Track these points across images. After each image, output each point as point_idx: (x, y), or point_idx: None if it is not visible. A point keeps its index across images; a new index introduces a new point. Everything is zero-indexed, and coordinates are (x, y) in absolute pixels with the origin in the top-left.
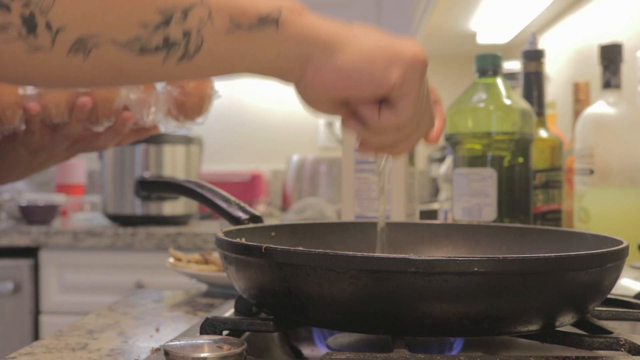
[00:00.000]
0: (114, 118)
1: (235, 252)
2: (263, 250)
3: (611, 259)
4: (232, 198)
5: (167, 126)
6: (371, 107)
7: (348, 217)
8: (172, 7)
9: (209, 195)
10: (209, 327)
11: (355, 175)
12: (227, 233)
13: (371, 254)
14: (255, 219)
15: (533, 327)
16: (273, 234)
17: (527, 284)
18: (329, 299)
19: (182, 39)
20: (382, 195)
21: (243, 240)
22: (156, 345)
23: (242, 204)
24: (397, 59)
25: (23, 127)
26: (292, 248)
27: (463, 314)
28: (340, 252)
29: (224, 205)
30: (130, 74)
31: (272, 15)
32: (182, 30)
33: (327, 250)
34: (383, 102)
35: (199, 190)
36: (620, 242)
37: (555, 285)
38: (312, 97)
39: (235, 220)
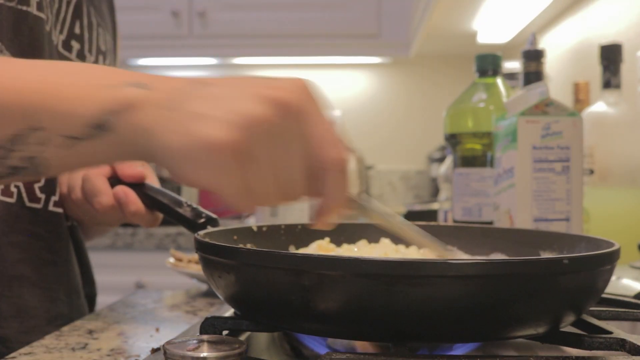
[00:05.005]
0: None
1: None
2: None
3: (602, 262)
4: (184, 200)
5: None
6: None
7: (524, 220)
8: (7, 141)
9: (158, 197)
10: (209, 327)
11: (533, 175)
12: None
13: (369, 257)
14: (211, 221)
15: (529, 332)
16: (235, 237)
17: (519, 288)
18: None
19: (29, 163)
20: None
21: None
22: (156, 345)
23: (195, 206)
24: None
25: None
26: (290, 252)
27: (458, 319)
28: (340, 255)
29: (176, 208)
30: None
31: (104, 122)
32: (26, 157)
33: (329, 254)
34: None
35: (148, 192)
36: (612, 245)
37: (547, 288)
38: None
39: (190, 223)
